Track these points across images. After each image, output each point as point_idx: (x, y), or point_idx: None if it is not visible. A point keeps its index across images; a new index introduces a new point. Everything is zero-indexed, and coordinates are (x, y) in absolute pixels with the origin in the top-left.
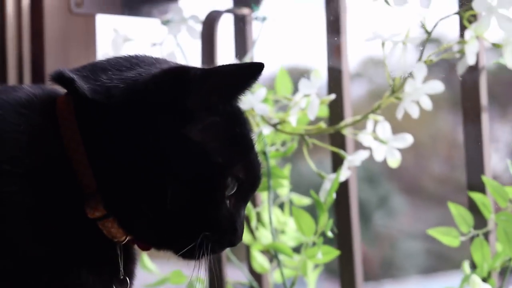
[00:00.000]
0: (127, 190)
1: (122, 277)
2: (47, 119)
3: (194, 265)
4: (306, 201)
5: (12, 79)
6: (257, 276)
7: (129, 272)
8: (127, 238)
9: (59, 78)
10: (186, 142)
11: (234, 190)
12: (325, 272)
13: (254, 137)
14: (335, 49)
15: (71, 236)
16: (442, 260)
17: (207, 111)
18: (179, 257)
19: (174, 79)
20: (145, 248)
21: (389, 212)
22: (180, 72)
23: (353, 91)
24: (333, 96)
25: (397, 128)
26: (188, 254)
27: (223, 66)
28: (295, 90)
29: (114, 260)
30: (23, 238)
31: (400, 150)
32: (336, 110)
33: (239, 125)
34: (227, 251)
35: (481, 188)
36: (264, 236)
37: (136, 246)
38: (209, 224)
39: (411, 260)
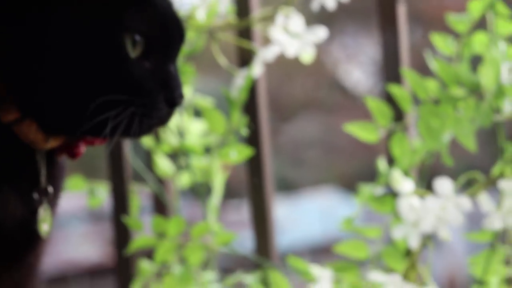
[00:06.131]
0: (28, 81)
1: (44, 186)
2: None
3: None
4: (209, 101)
5: None
6: (161, 182)
7: (55, 183)
8: (49, 144)
9: None
10: (62, 13)
11: (145, 49)
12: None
13: None
14: None
15: None
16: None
17: None
18: (111, 135)
19: None
20: (72, 153)
21: None
22: None
23: None
24: None
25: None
26: (117, 127)
27: None
28: None
29: (34, 169)
30: None
31: None
32: (242, 4)
33: None
34: (132, 156)
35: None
36: (169, 138)
37: (61, 157)
38: (124, 89)
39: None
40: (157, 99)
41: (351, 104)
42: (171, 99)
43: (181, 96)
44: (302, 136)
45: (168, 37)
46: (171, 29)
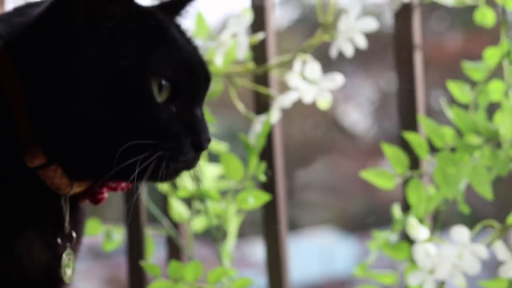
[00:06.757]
0: (57, 127)
1: (67, 231)
2: None
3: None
4: (223, 146)
5: None
6: (175, 226)
7: (77, 228)
8: (73, 190)
9: None
10: (89, 59)
11: (172, 93)
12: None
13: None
14: None
15: (12, 191)
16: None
17: (100, 20)
18: (138, 180)
19: (55, 8)
20: (96, 199)
21: None
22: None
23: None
24: (261, 36)
25: None
26: (144, 171)
27: None
28: None
29: (58, 214)
30: None
31: None
32: (259, 51)
33: (149, 26)
34: (147, 200)
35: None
36: (185, 182)
37: (84, 202)
38: (151, 133)
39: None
40: (184, 143)
41: (349, 144)
42: (198, 143)
43: (208, 140)
44: (301, 175)
45: (194, 81)
46: (196, 73)
